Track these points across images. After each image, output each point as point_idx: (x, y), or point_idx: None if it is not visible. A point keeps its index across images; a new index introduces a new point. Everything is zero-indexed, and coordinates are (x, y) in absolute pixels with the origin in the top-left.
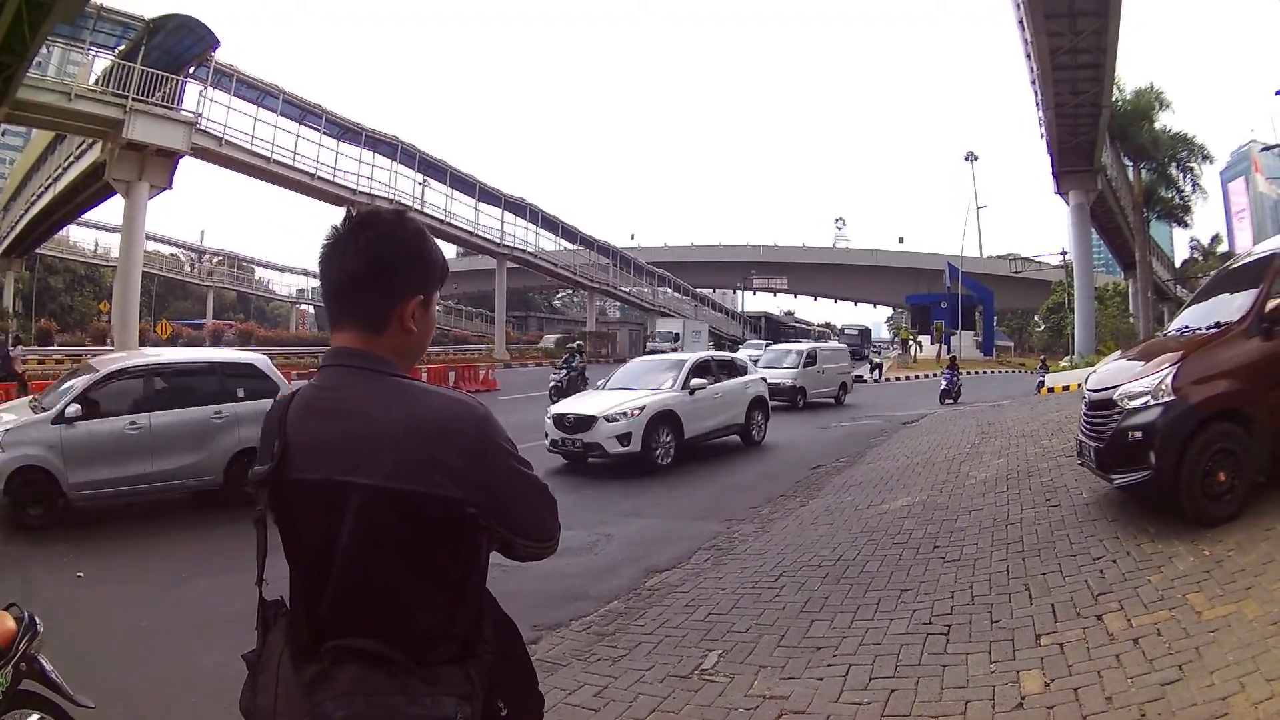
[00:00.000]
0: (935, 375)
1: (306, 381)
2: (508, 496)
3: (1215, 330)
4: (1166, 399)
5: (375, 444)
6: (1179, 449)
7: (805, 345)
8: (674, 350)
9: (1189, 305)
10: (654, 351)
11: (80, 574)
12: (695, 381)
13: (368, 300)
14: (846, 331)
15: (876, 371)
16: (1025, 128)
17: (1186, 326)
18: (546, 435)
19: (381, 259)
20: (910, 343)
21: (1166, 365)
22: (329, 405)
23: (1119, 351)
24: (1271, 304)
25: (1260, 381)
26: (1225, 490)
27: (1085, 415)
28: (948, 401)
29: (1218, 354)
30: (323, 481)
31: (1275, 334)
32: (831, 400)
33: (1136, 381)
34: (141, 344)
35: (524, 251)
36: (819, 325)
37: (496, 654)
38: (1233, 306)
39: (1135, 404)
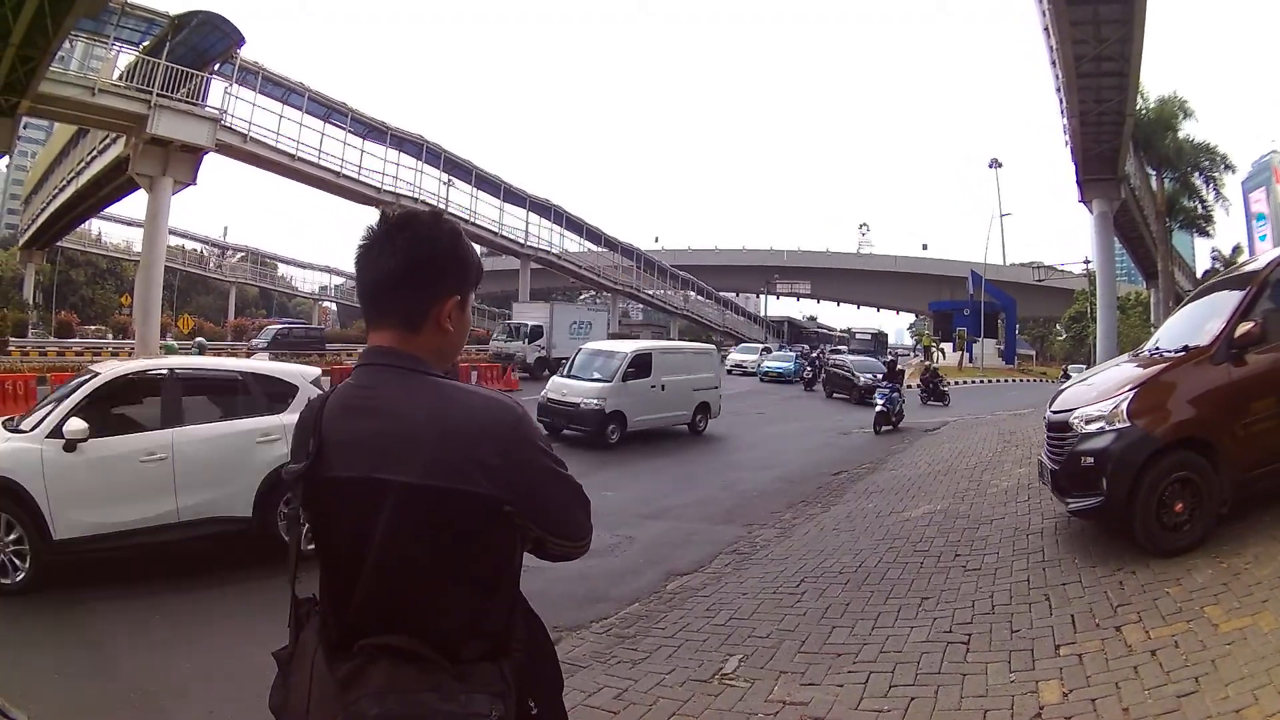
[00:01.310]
0: (964, 383)
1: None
2: (543, 495)
3: (1181, 354)
4: (1121, 425)
5: (412, 442)
6: (1132, 477)
7: (632, 346)
8: (534, 354)
9: (1168, 319)
10: (497, 355)
11: (100, 567)
12: (73, 426)
13: (404, 300)
14: (859, 336)
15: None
16: (1050, 136)
17: (1158, 348)
18: None
19: (418, 260)
20: (933, 350)
21: (1125, 389)
22: (365, 404)
23: (1127, 354)
24: (1242, 328)
25: (1224, 409)
26: (1183, 521)
27: (1047, 436)
28: (885, 428)
29: (1180, 380)
30: (358, 479)
31: (1243, 360)
32: (685, 429)
33: (1093, 405)
34: (162, 338)
35: (548, 252)
36: (840, 330)
37: (525, 652)
38: (1204, 328)
39: (1090, 428)
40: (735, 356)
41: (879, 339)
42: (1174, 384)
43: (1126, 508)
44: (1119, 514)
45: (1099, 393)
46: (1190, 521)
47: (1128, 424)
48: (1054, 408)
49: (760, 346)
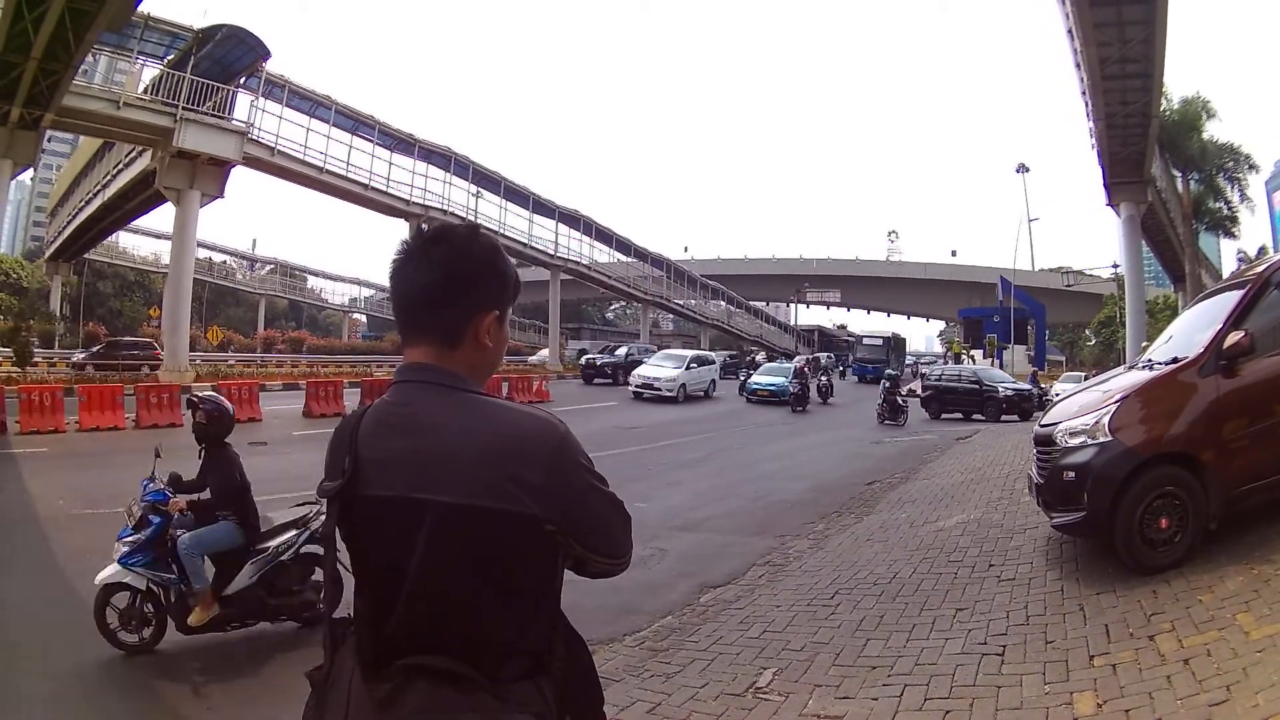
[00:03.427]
0: None
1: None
2: (586, 513)
3: (1170, 366)
4: (1103, 439)
5: (452, 461)
6: (1113, 492)
7: None
8: None
9: (1169, 326)
10: None
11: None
12: None
13: (442, 315)
14: (866, 341)
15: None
16: (1076, 140)
17: (1150, 359)
18: None
19: (456, 274)
20: (963, 357)
21: (1108, 403)
22: (403, 421)
23: (1123, 365)
24: (1232, 339)
25: (1211, 423)
26: (1169, 537)
27: (1035, 450)
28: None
29: (1166, 393)
30: (396, 499)
31: (1234, 371)
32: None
33: (1077, 419)
34: (191, 350)
35: (578, 263)
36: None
37: (566, 670)
38: (1195, 338)
39: (1073, 442)
40: (646, 371)
41: (892, 344)
42: (1159, 397)
43: (1108, 523)
44: (1100, 529)
45: (1080, 406)
46: (1175, 538)
47: (1109, 438)
48: (1042, 421)
49: (690, 355)
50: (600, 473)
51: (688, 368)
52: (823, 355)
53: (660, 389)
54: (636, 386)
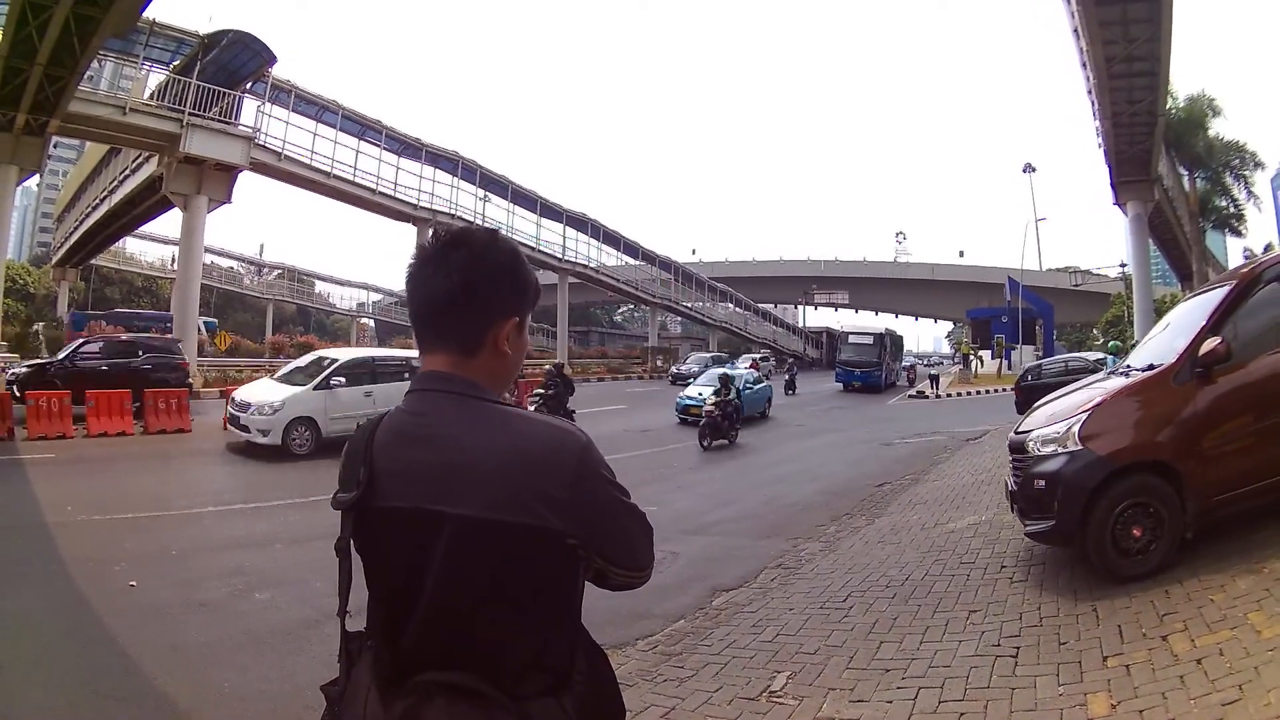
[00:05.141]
0: (1003, 391)
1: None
2: (609, 527)
3: (1146, 373)
4: (1073, 448)
5: (471, 473)
6: (1083, 501)
7: None
8: None
9: (1152, 329)
10: None
11: (133, 583)
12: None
13: (461, 323)
14: (853, 340)
15: (934, 384)
16: (1083, 139)
17: (1129, 366)
18: None
19: (475, 280)
20: (971, 358)
21: (1079, 411)
22: (421, 432)
23: (1104, 371)
24: (1207, 345)
25: (1186, 432)
26: (1141, 547)
27: (1010, 458)
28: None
29: (1139, 401)
30: (413, 511)
31: (1210, 378)
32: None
33: (1049, 427)
34: (199, 356)
35: (585, 267)
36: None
37: (587, 685)
38: (1172, 345)
39: (1044, 450)
40: (247, 393)
41: (886, 342)
42: (1131, 406)
43: (1080, 532)
44: (1071, 538)
45: (1051, 414)
46: (1150, 547)
47: (1079, 447)
48: (1016, 429)
49: (348, 359)
50: (621, 484)
51: (325, 383)
52: (754, 359)
53: (251, 426)
54: (235, 409)
